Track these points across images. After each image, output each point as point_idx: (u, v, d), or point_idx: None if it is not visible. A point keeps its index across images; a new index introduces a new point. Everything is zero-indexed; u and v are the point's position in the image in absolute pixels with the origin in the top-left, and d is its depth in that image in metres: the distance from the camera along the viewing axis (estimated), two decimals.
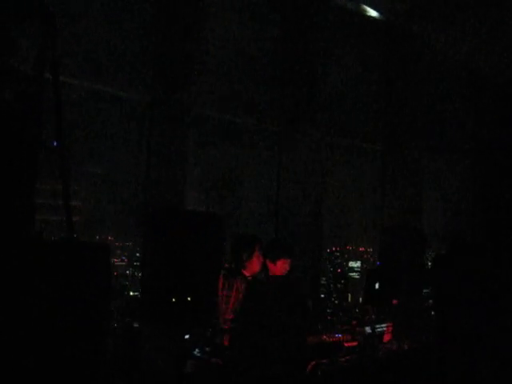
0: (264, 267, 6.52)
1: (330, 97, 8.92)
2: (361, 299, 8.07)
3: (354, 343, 5.79)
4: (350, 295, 9.50)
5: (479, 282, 6.59)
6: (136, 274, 8.19)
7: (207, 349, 5.40)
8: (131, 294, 8.06)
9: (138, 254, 8.22)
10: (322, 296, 9.40)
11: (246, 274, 6.19)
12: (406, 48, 9.93)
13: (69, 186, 4.10)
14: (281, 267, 6.39)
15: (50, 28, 3.78)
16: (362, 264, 10.00)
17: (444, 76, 10.39)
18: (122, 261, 8.55)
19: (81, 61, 6.95)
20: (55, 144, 4.06)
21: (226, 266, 6.20)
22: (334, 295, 9.45)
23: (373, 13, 9.55)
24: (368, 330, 5.87)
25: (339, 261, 9.95)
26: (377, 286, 5.99)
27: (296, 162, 8.54)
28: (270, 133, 8.88)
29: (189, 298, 4.90)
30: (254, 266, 6.20)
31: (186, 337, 5.23)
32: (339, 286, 9.53)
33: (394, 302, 6.37)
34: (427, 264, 8.11)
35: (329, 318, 8.57)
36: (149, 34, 7.41)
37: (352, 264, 10.03)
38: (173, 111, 7.39)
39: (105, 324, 3.55)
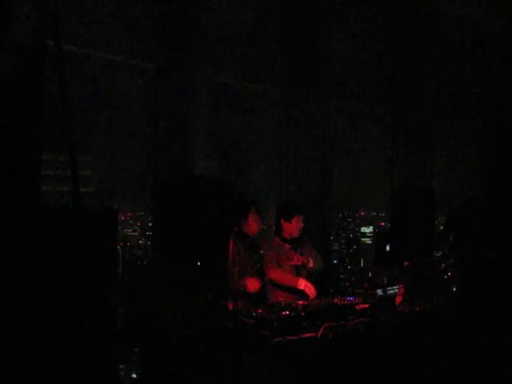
0: (278, 228, 6.59)
1: (335, 61, 8.85)
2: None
3: (366, 305, 5.79)
4: (362, 260, 9.52)
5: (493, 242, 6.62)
6: (149, 243, 8.21)
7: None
8: (144, 263, 8.09)
9: (150, 224, 8.23)
10: (335, 261, 9.43)
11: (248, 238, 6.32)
12: (412, 9, 9.82)
13: (75, 156, 4.11)
14: (296, 224, 6.55)
15: None
16: (374, 229, 10.00)
17: (451, 38, 10.27)
18: (135, 231, 8.57)
19: (85, 30, 6.92)
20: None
21: (236, 229, 6.26)
22: (347, 260, 9.47)
23: None
24: (379, 292, 5.88)
25: (351, 226, 9.95)
26: (387, 248, 5.98)
27: (304, 128, 8.51)
28: (276, 98, 8.84)
29: (198, 263, 4.92)
30: (250, 227, 6.29)
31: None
32: (351, 251, 9.56)
33: (405, 264, 6.37)
34: (438, 226, 8.12)
35: (341, 282, 8.60)
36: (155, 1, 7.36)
37: (364, 229, 10.03)
38: (179, 78, 7.37)
39: (112, 284, 3.58)
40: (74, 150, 4.06)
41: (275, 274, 6.32)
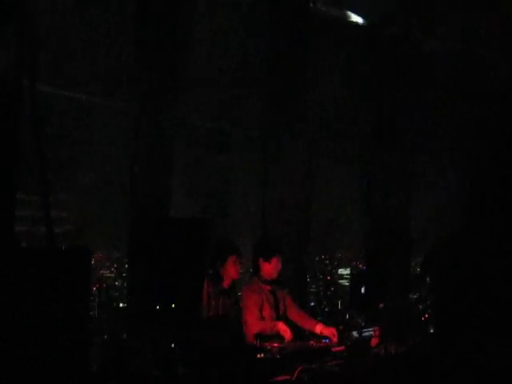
0: (256, 269, 6.53)
1: (316, 101, 8.92)
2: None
3: (342, 348, 5.77)
4: (339, 302, 9.50)
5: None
6: (125, 285, 8.15)
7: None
8: (120, 305, 8.02)
9: (126, 266, 8.17)
10: (312, 304, 9.40)
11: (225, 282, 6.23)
12: (392, 49, 9.94)
13: (48, 197, 4.10)
14: (275, 265, 6.42)
15: (26, 32, 3.78)
16: (351, 271, 10.00)
17: (432, 79, 10.40)
18: (111, 272, 8.53)
19: (67, 71, 6.96)
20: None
21: (211, 271, 6.18)
22: (324, 302, 9.45)
23: (357, 18, 9.59)
24: (355, 334, 5.85)
25: (329, 268, 9.95)
26: (363, 290, 5.98)
27: (283, 169, 8.54)
28: (256, 140, 8.88)
29: (173, 305, 4.89)
30: (228, 271, 6.23)
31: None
32: (329, 293, 9.54)
33: (381, 305, 6.36)
34: (415, 268, 8.14)
35: None
36: (134, 42, 7.40)
37: (342, 271, 10.04)
38: (159, 120, 7.39)
39: (85, 324, 3.55)
40: (48, 191, 4.06)
41: (260, 328, 6.16)
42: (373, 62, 9.96)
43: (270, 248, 6.49)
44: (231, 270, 6.23)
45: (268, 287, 6.46)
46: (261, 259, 6.44)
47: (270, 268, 6.42)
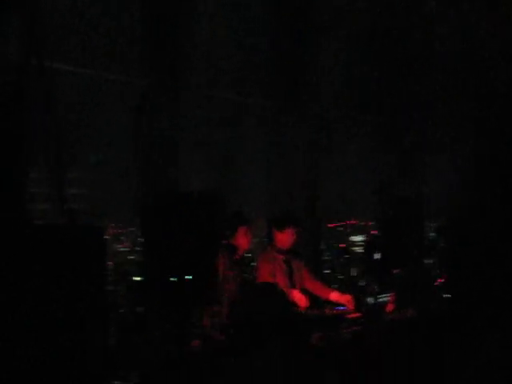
0: (271, 239, 6.62)
1: (325, 72, 8.89)
2: None
3: (358, 314, 5.80)
4: (354, 269, 9.50)
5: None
6: (139, 259, 8.18)
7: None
8: (136, 279, 8.07)
9: (141, 240, 8.20)
10: (326, 271, 9.41)
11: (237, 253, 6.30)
12: (405, 17, 9.87)
13: (62, 174, 4.12)
14: (288, 236, 6.52)
15: (33, 13, 3.78)
16: (365, 238, 9.98)
17: (442, 45, 10.32)
18: (126, 247, 8.56)
19: (76, 47, 6.93)
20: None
21: (225, 242, 6.24)
22: (338, 270, 9.46)
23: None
24: (370, 300, 5.89)
25: (342, 236, 9.94)
26: (376, 256, 6.00)
27: (292, 138, 8.54)
28: (264, 110, 8.86)
29: (188, 277, 4.92)
30: (239, 241, 6.31)
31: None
32: (342, 260, 9.54)
33: (395, 271, 6.38)
34: (428, 233, 8.13)
35: None
36: (141, 14, 7.38)
37: (355, 238, 10.02)
38: (169, 94, 7.39)
39: (102, 304, 3.58)
40: (63, 168, 4.08)
41: None
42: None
43: (283, 219, 6.60)
44: (242, 241, 6.33)
45: (282, 256, 6.53)
46: (275, 229, 6.57)
47: (284, 238, 6.52)
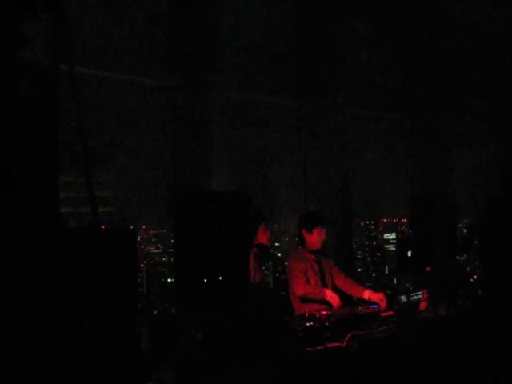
0: (301, 239, 6.64)
1: (350, 70, 8.85)
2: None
3: (391, 313, 5.77)
4: (386, 267, 9.48)
5: None
6: (172, 260, 8.23)
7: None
8: (168, 280, 8.12)
9: (172, 241, 8.24)
10: (359, 270, 9.41)
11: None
12: (425, 12, 9.80)
13: (91, 177, 4.15)
14: (317, 236, 6.54)
15: (60, 18, 3.81)
16: (397, 235, 9.96)
17: (466, 39, 10.23)
18: (158, 248, 8.61)
19: (101, 50, 6.99)
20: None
21: (255, 242, 6.30)
22: (371, 268, 9.45)
23: None
24: (403, 298, 5.86)
25: (374, 234, 9.92)
26: (409, 253, 5.96)
27: (322, 137, 8.52)
28: (293, 109, 8.85)
29: (220, 278, 4.93)
30: (261, 239, 6.43)
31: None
32: (375, 258, 9.53)
33: (428, 269, 6.34)
34: (461, 230, 8.08)
35: None
36: (166, 17, 7.41)
37: (387, 236, 10.00)
38: (195, 95, 7.41)
39: (134, 305, 3.60)
40: (91, 171, 4.10)
41: (304, 291, 6.29)
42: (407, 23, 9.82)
43: (311, 220, 6.62)
44: (263, 238, 6.46)
45: (313, 256, 6.55)
46: (304, 230, 6.60)
47: (313, 239, 6.55)
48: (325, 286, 6.47)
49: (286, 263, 6.89)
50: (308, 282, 6.38)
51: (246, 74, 8.18)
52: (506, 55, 10.31)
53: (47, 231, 3.54)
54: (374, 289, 6.52)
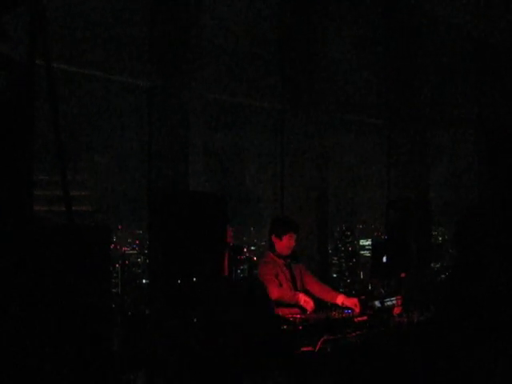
0: (271, 245, 6.60)
1: (330, 74, 8.86)
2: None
3: (364, 318, 5.78)
4: (361, 273, 9.51)
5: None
6: (147, 261, 8.19)
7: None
8: (143, 281, 8.08)
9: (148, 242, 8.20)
10: (334, 275, 9.42)
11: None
12: (407, 18, 9.85)
13: (66, 176, 4.11)
14: (286, 242, 6.49)
15: (38, 13, 3.77)
16: (372, 241, 9.98)
17: (446, 46, 10.31)
18: (133, 249, 8.57)
19: (80, 48, 6.94)
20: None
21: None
22: (346, 273, 9.47)
23: None
24: (377, 304, 5.87)
25: (350, 239, 9.94)
26: (384, 259, 5.98)
27: (299, 141, 8.51)
28: (272, 113, 8.86)
29: (194, 279, 4.92)
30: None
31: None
32: (351, 264, 9.55)
33: (403, 275, 6.35)
34: (435, 237, 8.12)
35: None
36: (146, 17, 7.38)
37: (363, 242, 10.03)
38: (173, 96, 7.37)
39: (107, 305, 3.57)
40: (66, 169, 4.06)
41: (279, 294, 6.24)
42: (387, 31, 9.88)
43: (281, 226, 6.56)
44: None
45: (282, 261, 6.52)
46: (273, 236, 6.55)
47: (282, 244, 6.50)
48: (296, 290, 6.44)
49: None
50: (280, 286, 6.35)
51: (225, 76, 8.17)
52: (488, 65, 10.40)
53: (18, 228, 3.50)
54: (349, 294, 6.51)
